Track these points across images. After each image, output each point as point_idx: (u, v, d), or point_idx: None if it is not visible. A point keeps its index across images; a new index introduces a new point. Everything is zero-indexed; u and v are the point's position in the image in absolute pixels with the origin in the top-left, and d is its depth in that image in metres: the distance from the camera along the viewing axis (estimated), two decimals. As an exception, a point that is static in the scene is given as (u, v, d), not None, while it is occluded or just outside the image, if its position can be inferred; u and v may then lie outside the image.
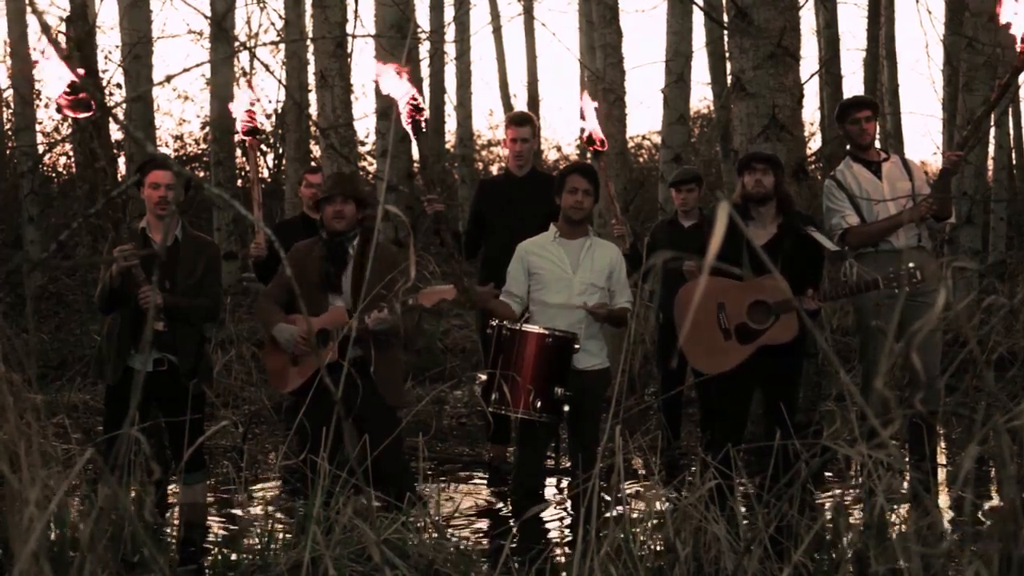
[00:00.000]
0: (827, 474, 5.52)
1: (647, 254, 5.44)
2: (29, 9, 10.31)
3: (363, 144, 15.89)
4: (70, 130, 14.10)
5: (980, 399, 7.15)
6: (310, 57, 12.57)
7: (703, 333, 4.72)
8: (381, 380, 4.53)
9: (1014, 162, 15.09)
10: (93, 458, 2.51)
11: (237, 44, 14.15)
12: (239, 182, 14.03)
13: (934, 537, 2.50)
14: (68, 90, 3.52)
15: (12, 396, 2.83)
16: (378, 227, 2.65)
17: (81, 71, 3.99)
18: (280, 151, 15.50)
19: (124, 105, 11.25)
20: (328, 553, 2.68)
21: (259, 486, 5.57)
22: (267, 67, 10.82)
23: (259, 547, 3.60)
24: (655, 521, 3.50)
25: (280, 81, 10.92)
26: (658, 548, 3.38)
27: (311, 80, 12.97)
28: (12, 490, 2.23)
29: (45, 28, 2.29)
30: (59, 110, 3.70)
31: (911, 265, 4.66)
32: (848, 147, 5.65)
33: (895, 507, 3.34)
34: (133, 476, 3.37)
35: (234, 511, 4.94)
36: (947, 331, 6.56)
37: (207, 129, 15.55)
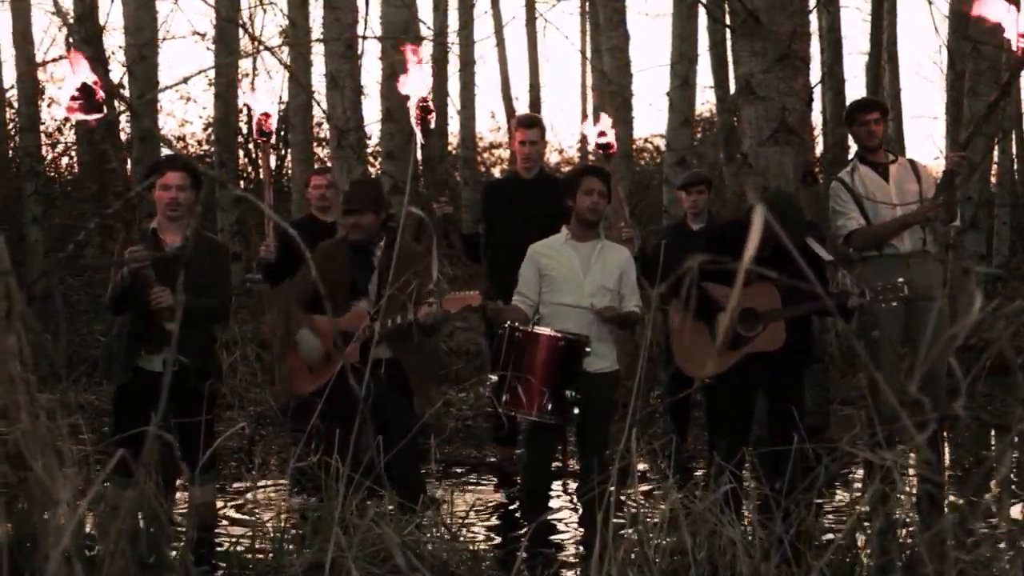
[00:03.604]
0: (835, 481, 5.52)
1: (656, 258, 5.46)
2: (52, 11, 10.27)
3: (366, 146, 15.87)
4: (74, 131, 14.08)
5: (987, 404, 7.17)
6: (313, 59, 12.58)
7: (693, 335, 4.73)
8: (412, 380, 4.54)
9: (1016, 167, 15.11)
10: (109, 459, 2.51)
11: (255, 44, 14.12)
12: (241, 183, 14.01)
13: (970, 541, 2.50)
14: (76, 93, 3.51)
15: (29, 396, 2.83)
16: (402, 225, 2.65)
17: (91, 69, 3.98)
18: (283, 152, 15.47)
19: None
20: (349, 554, 2.68)
21: (267, 482, 5.56)
22: (287, 67, 10.76)
23: (273, 549, 3.60)
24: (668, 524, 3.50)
25: (299, 82, 10.88)
26: (672, 552, 3.37)
27: (314, 81, 13.00)
28: (40, 490, 2.23)
29: (70, 29, 2.29)
30: (70, 112, 3.68)
31: (900, 280, 4.66)
32: (856, 149, 5.65)
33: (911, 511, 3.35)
34: (149, 476, 3.36)
35: (246, 511, 4.93)
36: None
37: (209, 130, 15.53)
